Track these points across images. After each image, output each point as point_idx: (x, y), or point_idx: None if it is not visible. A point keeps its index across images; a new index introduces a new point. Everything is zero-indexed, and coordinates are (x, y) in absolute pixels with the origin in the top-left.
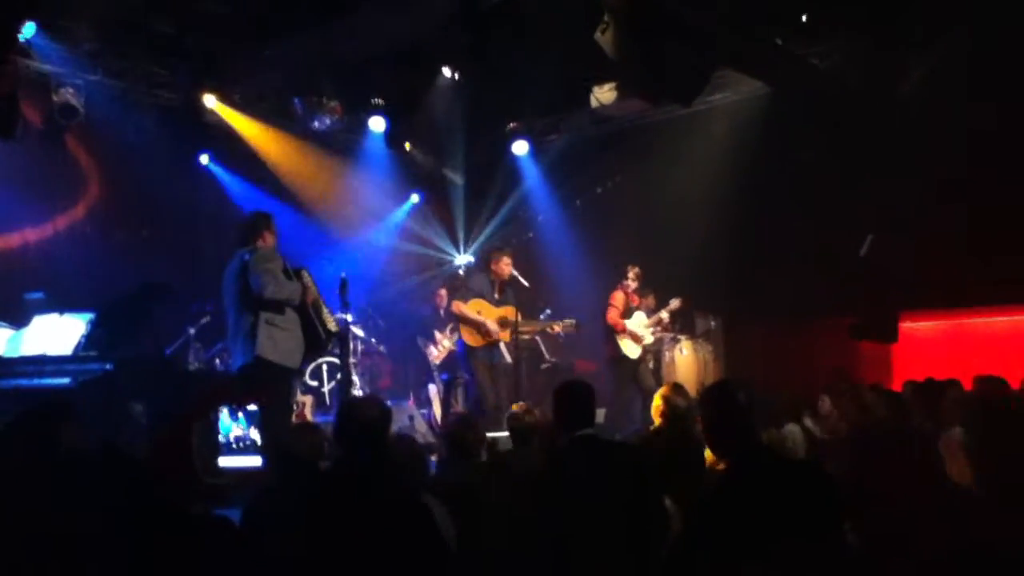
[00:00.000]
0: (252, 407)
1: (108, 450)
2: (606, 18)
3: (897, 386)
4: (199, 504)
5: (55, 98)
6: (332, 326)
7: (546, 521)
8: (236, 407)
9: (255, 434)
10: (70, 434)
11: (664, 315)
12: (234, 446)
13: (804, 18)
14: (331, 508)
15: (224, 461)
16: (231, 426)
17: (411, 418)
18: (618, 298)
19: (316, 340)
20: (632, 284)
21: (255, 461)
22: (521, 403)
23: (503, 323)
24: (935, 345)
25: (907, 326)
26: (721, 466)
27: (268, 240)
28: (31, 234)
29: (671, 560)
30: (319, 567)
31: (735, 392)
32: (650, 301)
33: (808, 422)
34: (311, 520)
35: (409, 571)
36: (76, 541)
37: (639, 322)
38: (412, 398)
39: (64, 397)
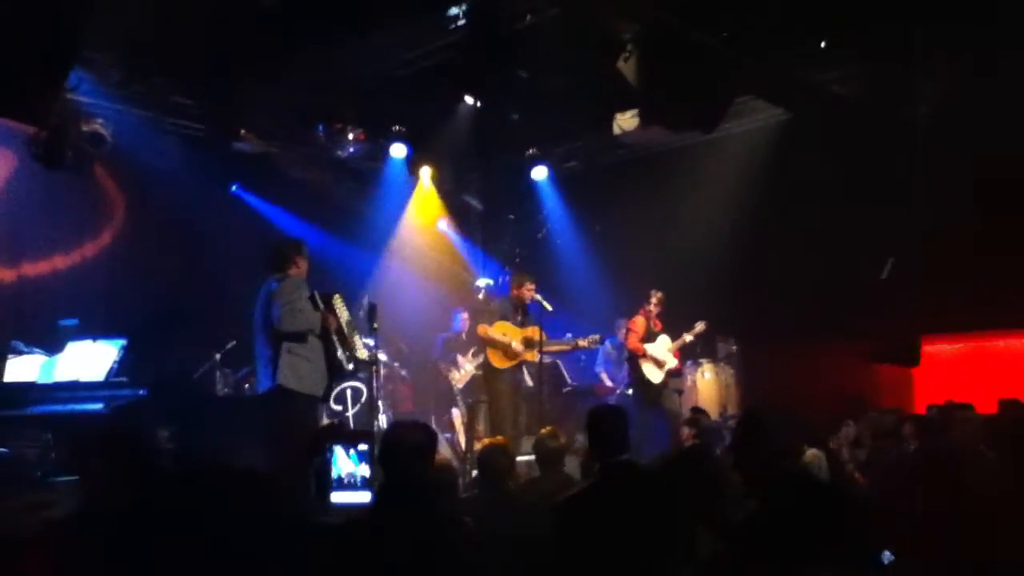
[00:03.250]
0: (363, 445)
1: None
2: (629, 47)
3: (918, 409)
4: None
5: (84, 127)
6: (362, 354)
7: (581, 547)
8: (349, 444)
9: (365, 470)
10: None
11: (688, 338)
12: (345, 482)
13: (823, 44)
14: (384, 532)
15: (336, 497)
16: (344, 463)
17: None
18: (639, 323)
19: (336, 368)
20: (654, 309)
21: (364, 497)
22: (548, 427)
23: (528, 343)
24: (956, 368)
25: (928, 349)
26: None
27: (300, 267)
28: (60, 261)
29: None
30: None
31: (768, 419)
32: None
33: (832, 446)
34: (364, 544)
35: None
36: None
37: (663, 346)
38: (434, 422)
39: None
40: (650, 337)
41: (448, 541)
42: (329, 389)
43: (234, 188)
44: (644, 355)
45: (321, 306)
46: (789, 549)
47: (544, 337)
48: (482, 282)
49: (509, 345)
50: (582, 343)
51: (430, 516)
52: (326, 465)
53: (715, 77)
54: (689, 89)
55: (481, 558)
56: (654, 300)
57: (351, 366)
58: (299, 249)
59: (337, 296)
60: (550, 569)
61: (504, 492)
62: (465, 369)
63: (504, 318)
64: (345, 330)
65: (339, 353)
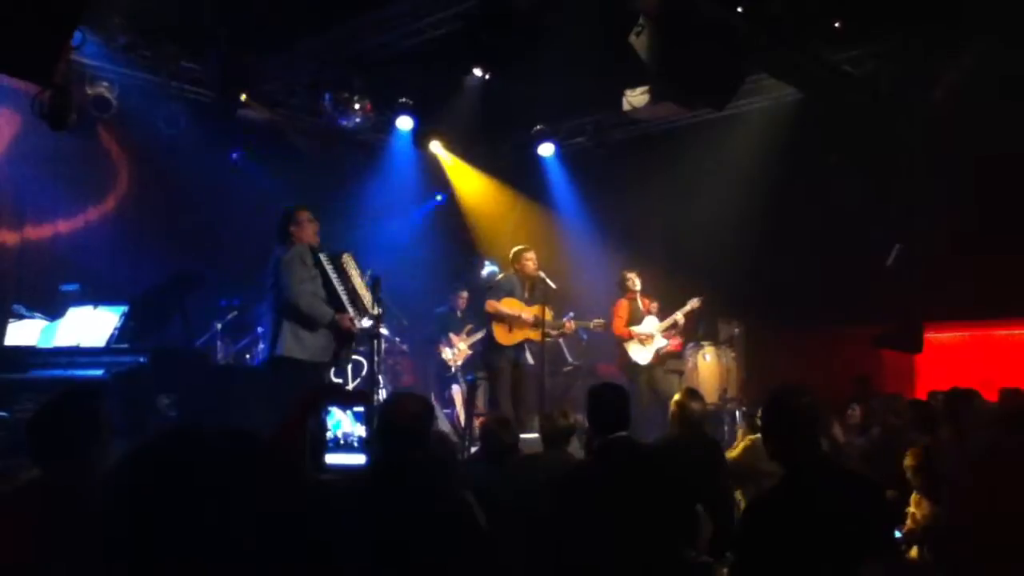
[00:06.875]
0: (359, 407)
1: None
2: (641, 21)
3: (920, 395)
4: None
5: (89, 90)
6: (375, 310)
7: (579, 523)
8: (346, 405)
9: (361, 431)
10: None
11: (679, 317)
12: (342, 443)
13: (836, 24)
14: (382, 504)
15: (330, 458)
16: (340, 423)
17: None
18: (623, 306)
19: (345, 334)
20: (635, 288)
21: (359, 459)
22: (557, 408)
23: (535, 322)
24: (957, 356)
25: (930, 336)
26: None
27: (298, 234)
28: (63, 226)
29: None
30: (370, 564)
31: (798, 398)
32: (654, 306)
33: (836, 431)
34: (361, 515)
35: (457, 565)
36: None
37: (651, 327)
38: (434, 398)
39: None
40: (636, 319)
41: (445, 514)
42: (342, 352)
43: (234, 156)
44: (630, 337)
45: (329, 266)
46: (809, 534)
47: (551, 317)
48: (489, 267)
49: (519, 317)
50: (585, 325)
51: (426, 488)
52: (322, 425)
53: (728, 54)
54: (702, 65)
55: (480, 532)
56: (630, 279)
57: (367, 323)
58: (289, 217)
59: (346, 255)
60: (547, 544)
61: (504, 466)
62: (458, 348)
63: (511, 294)
64: (359, 291)
65: (350, 313)
